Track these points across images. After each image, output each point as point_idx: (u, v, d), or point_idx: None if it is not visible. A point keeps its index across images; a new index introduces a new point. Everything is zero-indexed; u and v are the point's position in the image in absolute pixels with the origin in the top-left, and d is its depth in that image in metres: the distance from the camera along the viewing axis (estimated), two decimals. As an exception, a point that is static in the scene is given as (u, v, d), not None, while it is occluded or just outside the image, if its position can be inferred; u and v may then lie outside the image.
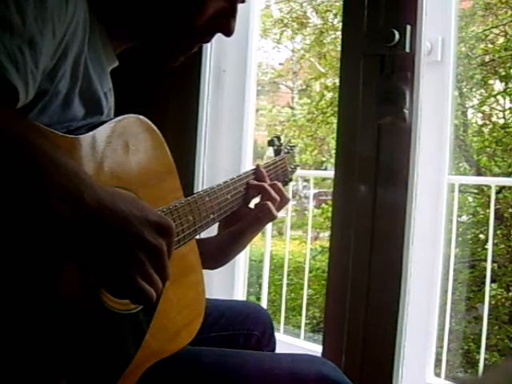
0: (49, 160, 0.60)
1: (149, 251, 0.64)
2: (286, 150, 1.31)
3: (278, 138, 1.32)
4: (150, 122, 0.86)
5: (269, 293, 2.97)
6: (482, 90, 3.72)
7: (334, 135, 1.74)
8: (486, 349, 2.18)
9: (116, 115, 0.88)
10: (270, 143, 1.31)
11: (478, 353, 2.64)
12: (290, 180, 1.33)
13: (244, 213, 1.10)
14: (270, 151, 1.34)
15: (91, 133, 0.74)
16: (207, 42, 0.94)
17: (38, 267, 0.63)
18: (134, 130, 0.83)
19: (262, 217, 1.10)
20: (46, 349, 0.65)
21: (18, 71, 0.63)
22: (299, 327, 2.75)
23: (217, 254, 1.12)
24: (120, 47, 0.92)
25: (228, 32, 0.91)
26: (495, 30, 3.62)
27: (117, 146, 0.78)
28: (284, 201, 1.15)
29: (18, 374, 0.63)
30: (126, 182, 0.77)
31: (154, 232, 0.65)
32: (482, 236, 3.47)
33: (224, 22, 0.90)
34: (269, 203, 1.10)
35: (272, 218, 1.11)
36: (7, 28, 0.63)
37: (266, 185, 1.12)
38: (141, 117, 0.85)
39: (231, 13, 0.90)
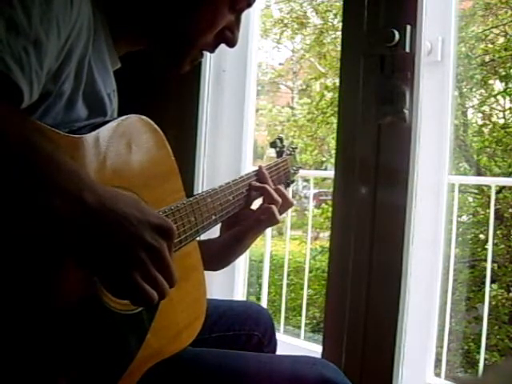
0: (49, 160, 0.60)
1: (150, 252, 0.64)
2: (288, 152, 1.31)
3: (281, 139, 1.32)
4: (152, 123, 0.86)
5: (269, 293, 2.96)
6: (482, 90, 3.72)
7: (334, 135, 1.74)
8: (486, 349, 2.18)
9: (117, 115, 0.88)
10: (273, 145, 1.31)
11: (478, 353, 2.65)
12: (293, 182, 1.33)
13: (246, 215, 1.10)
14: (270, 151, 1.33)
15: (94, 132, 0.74)
16: (212, 52, 0.96)
17: (38, 267, 0.63)
18: (137, 131, 0.83)
19: (264, 220, 1.10)
20: (47, 349, 0.65)
21: (22, 71, 0.63)
22: (299, 327, 2.75)
23: (219, 256, 1.12)
24: (124, 50, 0.92)
25: (233, 44, 0.94)
26: (495, 30, 3.62)
27: (119, 146, 0.78)
28: (287, 204, 1.15)
29: (18, 373, 0.63)
30: (127, 182, 0.77)
31: (155, 234, 0.65)
32: (482, 236, 3.47)
33: (230, 36, 0.93)
34: (273, 207, 1.09)
35: (275, 221, 1.11)
36: (12, 28, 0.63)
37: (267, 186, 1.12)
38: (144, 117, 0.84)
39: (237, 26, 0.93)
